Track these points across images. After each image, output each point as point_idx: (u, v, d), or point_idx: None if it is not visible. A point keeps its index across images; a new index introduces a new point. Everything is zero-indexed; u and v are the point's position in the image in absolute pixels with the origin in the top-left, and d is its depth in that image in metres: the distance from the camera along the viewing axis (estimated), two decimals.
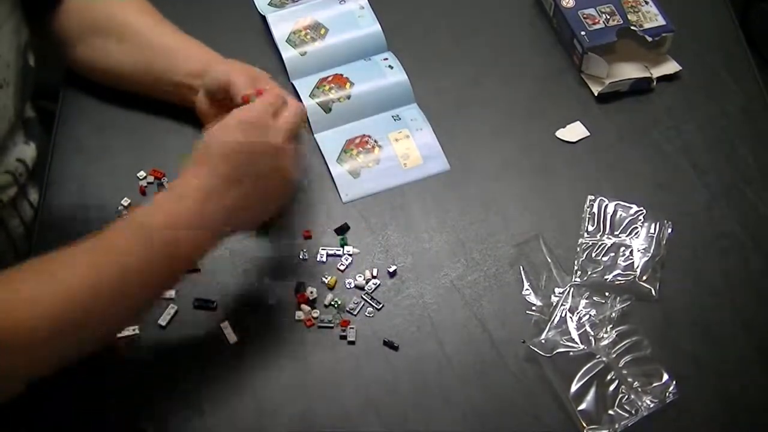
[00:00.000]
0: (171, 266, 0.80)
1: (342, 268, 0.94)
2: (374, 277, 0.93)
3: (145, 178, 1.00)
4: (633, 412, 0.84)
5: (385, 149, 1.03)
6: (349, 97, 1.06)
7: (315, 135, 1.05)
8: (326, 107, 1.05)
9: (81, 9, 1.03)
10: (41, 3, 1.01)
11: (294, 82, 1.08)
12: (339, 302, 0.91)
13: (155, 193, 0.83)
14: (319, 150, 1.03)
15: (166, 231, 0.77)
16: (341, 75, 1.08)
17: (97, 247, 0.76)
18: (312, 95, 1.06)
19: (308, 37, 1.11)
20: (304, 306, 0.91)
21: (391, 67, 1.08)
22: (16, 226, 1.03)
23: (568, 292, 0.91)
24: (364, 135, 1.04)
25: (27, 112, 1.06)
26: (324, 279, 0.93)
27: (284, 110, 0.86)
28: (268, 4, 1.16)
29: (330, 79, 1.07)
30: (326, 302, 0.91)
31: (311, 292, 0.91)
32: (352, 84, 1.07)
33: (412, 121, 1.05)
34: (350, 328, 0.89)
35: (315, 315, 0.90)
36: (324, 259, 0.94)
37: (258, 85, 0.91)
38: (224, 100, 0.94)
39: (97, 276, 0.74)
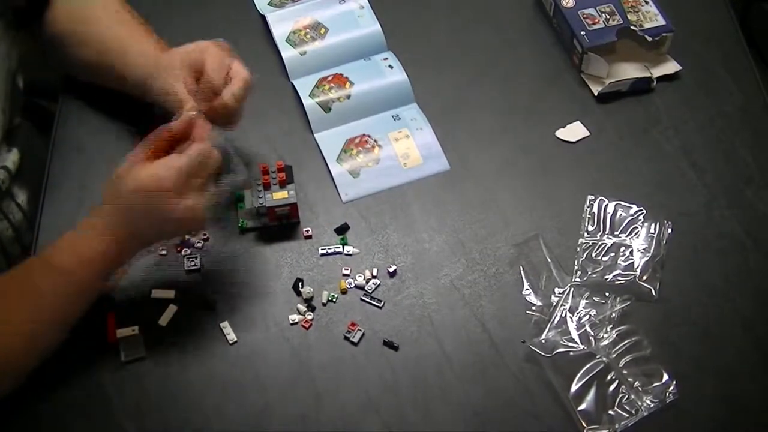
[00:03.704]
0: (81, 296, 0.85)
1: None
2: (374, 277, 0.93)
3: None
4: (633, 412, 0.84)
5: (385, 149, 1.03)
6: (348, 97, 1.06)
7: (315, 134, 1.05)
8: (326, 107, 1.05)
9: (62, 14, 1.02)
10: (30, 12, 1.01)
11: (294, 82, 1.08)
12: (336, 297, 0.92)
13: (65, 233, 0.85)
14: (319, 149, 1.03)
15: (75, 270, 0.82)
16: (341, 75, 1.08)
17: (9, 290, 0.82)
18: (312, 95, 1.06)
19: (308, 36, 1.11)
20: (300, 306, 0.91)
21: (391, 66, 1.08)
22: (4, 229, 1.03)
23: (568, 292, 0.91)
24: (363, 134, 1.04)
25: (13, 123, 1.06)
26: (323, 276, 0.93)
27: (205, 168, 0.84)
28: (268, 4, 1.16)
29: (330, 78, 1.07)
30: (323, 300, 0.91)
31: (309, 291, 0.91)
32: (351, 84, 1.07)
33: (412, 121, 1.05)
34: (357, 330, 0.89)
35: (310, 317, 0.90)
36: (324, 258, 0.95)
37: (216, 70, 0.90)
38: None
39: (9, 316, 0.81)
